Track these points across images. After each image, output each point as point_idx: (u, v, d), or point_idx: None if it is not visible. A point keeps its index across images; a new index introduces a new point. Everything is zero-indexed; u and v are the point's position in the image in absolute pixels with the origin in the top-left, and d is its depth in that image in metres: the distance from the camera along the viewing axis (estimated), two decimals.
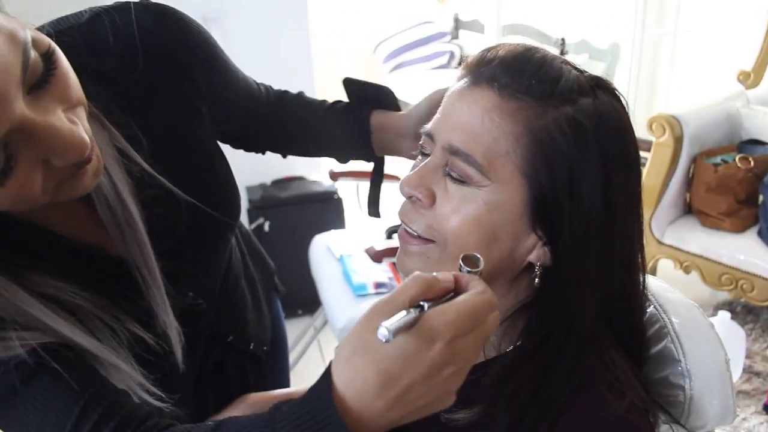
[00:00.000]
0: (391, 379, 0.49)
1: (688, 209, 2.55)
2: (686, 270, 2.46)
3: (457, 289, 0.55)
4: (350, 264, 2.11)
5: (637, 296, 0.73)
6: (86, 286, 0.70)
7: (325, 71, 5.65)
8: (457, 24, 5.24)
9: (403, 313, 0.49)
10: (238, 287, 1.07)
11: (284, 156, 1.06)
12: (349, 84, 1.01)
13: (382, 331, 0.47)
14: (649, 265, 2.55)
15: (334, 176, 2.33)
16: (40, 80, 0.55)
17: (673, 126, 2.39)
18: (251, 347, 1.08)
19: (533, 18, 4.16)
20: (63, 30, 0.73)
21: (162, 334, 0.77)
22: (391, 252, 1.96)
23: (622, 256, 0.68)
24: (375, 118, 0.98)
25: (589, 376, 0.65)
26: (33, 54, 0.54)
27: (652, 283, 0.82)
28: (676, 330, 0.76)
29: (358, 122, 0.99)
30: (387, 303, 0.51)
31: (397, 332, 0.47)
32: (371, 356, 0.50)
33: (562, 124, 0.62)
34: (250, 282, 1.14)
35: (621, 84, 3.36)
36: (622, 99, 0.68)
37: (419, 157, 0.72)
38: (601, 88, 0.66)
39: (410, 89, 4.97)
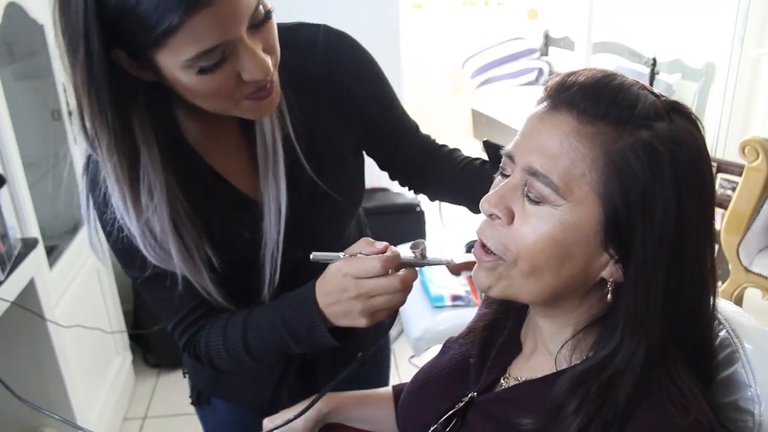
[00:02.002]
0: (324, 286, 0.86)
1: None
2: None
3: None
4: (429, 275, 2.15)
5: (707, 316, 0.74)
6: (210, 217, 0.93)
7: (415, 84, 5.74)
8: (547, 41, 5.21)
9: (340, 254, 0.84)
10: None
11: (431, 199, 1.22)
12: (490, 147, 1.09)
13: (311, 256, 0.85)
14: (735, 293, 2.46)
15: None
16: (258, 23, 0.79)
17: None
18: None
19: (625, 36, 4.10)
20: None
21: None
22: (469, 266, 2.00)
23: (692, 276, 0.70)
24: None
25: (656, 390, 0.68)
26: (260, 7, 0.78)
27: (726, 308, 0.82)
28: (748, 355, 0.76)
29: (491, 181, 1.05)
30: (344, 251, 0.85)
31: (315, 260, 0.85)
32: (325, 276, 0.86)
33: (637, 149, 0.65)
34: None
35: (715, 105, 3.26)
36: (698, 123, 0.70)
37: (499, 177, 0.76)
38: (677, 112, 0.68)
39: (497, 104, 4.97)
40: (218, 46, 0.74)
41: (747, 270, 2.42)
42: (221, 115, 0.87)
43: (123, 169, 0.82)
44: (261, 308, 0.95)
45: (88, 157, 0.90)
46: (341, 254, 0.84)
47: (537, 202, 0.69)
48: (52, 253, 2.04)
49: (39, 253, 1.77)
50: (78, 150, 2.22)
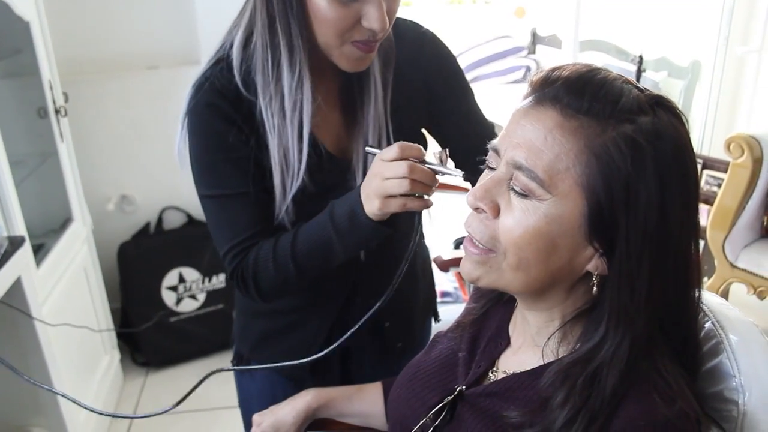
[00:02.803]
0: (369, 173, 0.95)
1: (765, 233, 2.48)
2: (761, 296, 2.39)
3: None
4: None
5: (692, 308, 0.75)
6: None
7: None
8: (535, 39, 5.22)
9: (377, 150, 0.95)
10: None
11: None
12: None
13: (366, 149, 1.02)
14: (721, 288, 2.48)
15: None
16: None
17: (753, 147, 2.33)
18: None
19: (611, 34, 4.11)
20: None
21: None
22: (457, 262, 2.00)
23: (676, 269, 0.70)
24: None
25: (642, 382, 0.68)
26: None
27: (711, 299, 0.83)
28: (733, 346, 0.78)
29: None
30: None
31: (368, 152, 1.02)
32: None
33: (619, 143, 0.65)
34: (413, 280, 1.27)
35: (701, 102, 3.29)
36: (683, 117, 0.70)
37: (486, 170, 0.76)
38: (661, 106, 0.69)
39: (486, 102, 4.98)
40: None
41: (733, 266, 2.44)
42: (326, 75, 1.05)
43: (305, 53, 0.98)
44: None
45: (203, 79, 1.03)
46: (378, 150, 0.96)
47: (523, 196, 0.69)
48: (39, 251, 2.03)
49: (26, 251, 1.75)
50: (64, 147, 2.22)
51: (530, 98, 0.72)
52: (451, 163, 1.17)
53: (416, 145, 0.92)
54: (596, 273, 0.71)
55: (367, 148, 1.01)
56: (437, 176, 0.92)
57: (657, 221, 0.66)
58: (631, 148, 0.65)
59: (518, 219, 0.69)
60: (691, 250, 0.71)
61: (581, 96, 0.67)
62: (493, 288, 0.76)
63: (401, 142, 0.92)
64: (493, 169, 0.74)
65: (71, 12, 2.61)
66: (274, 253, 1.03)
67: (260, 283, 1.05)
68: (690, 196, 0.70)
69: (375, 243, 1.00)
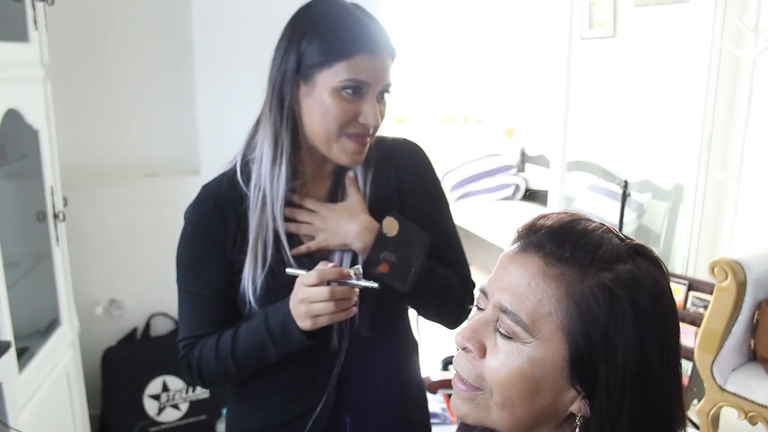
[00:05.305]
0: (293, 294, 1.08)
1: (753, 356, 2.48)
2: (752, 421, 2.36)
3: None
4: None
5: None
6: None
7: None
8: (524, 158, 5.41)
9: (303, 271, 1.07)
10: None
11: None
12: None
13: (286, 270, 1.11)
14: (711, 413, 2.45)
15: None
16: (381, 93, 1.13)
17: (736, 271, 2.38)
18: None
19: (598, 156, 4.27)
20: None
21: None
22: (445, 383, 1.99)
23: (659, 412, 0.71)
24: None
25: None
26: (389, 85, 1.13)
27: None
28: None
29: None
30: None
31: (288, 273, 1.10)
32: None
33: (596, 292, 0.68)
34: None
35: (684, 225, 3.38)
36: (662, 265, 0.73)
37: (475, 310, 0.79)
38: (640, 255, 0.72)
39: (475, 219, 5.08)
40: (362, 83, 1.08)
41: (722, 389, 2.42)
42: (317, 181, 1.18)
43: (288, 149, 1.12)
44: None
45: (208, 183, 1.19)
46: (305, 270, 1.08)
47: (508, 338, 0.71)
48: (23, 355, 1.99)
49: (10, 357, 1.73)
50: (59, 251, 2.24)
51: (517, 244, 0.75)
52: None
53: (333, 267, 1.06)
54: (579, 415, 0.72)
55: (289, 270, 1.11)
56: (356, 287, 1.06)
57: (636, 368, 0.68)
58: (608, 297, 0.68)
59: (503, 360, 0.71)
60: (673, 395, 0.72)
61: (563, 245, 0.71)
62: (481, 425, 0.77)
63: (319, 267, 1.06)
64: (482, 309, 0.77)
65: (75, 119, 2.70)
66: (216, 351, 1.16)
67: (203, 374, 1.19)
68: (669, 342, 0.71)
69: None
